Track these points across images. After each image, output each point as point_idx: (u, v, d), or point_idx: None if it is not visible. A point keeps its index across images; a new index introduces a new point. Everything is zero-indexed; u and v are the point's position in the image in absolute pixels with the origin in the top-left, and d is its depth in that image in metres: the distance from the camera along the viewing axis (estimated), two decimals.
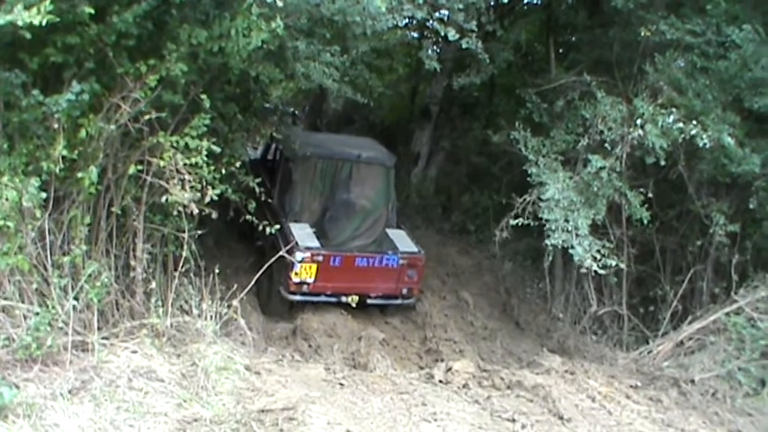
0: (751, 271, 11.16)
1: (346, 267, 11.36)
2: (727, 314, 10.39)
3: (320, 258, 11.12)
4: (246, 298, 9.18)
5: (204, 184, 7.76)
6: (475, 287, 13.93)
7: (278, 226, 9.99)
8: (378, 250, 11.83)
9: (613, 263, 10.62)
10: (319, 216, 12.03)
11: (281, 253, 9.71)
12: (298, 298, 11.31)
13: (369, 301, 11.73)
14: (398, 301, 12.04)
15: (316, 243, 11.36)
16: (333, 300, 11.45)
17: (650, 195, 11.32)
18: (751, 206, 10.75)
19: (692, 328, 10.64)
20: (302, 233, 11.48)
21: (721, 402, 9.28)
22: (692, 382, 9.56)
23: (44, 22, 6.05)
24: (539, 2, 16.61)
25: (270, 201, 11.35)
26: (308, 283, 11.16)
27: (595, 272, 10.58)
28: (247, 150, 11.69)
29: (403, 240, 12.26)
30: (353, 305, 11.33)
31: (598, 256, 10.52)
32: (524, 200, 11.53)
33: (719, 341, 10.16)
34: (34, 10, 6.04)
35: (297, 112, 20.41)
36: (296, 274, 11.01)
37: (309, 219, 11.94)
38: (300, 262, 10.96)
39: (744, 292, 10.62)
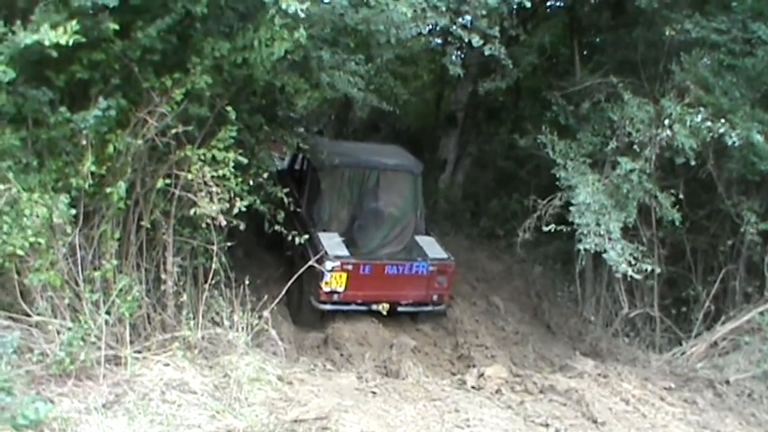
0: None
1: (376, 275, 11.34)
2: (761, 313, 10.31)
3: (350, 267, 11.10)
4: (277, 308, 9.16)
5: (232, 195, 7.79)
6: (505, 292, 13.88)
7: (307, 236, 10.02)
8: (407, 257, 11.81)
9: (648, 267, 10.53)
10: (348, 225, 11.99)
11: (310, 262, 9.64)
12: (328, 307, 11.28)
13: (399, 308, 11.60)
14: (429, 308, 11.98)
15: (345, 252, 11.34)
16: (363, 308, 11.42)
17: (680, 196, 11.24)
18: None
19: (725, 329, 10.56)
20: (331, 242, 11.46)
21: (758, 403, 9.18)
22: (728, 382, 9.47)
23: (71, 42, 6.10)
24: (561, 4, 16.50)
25: (298, 211, 11.30)
26: (339, 292, 11.13)
27: (629, 276, 10.50)
28: (274, 161, 11.74)
29: (432, 247, 12.26)
30: (384, 313, 11.11)
31: (632, 261, 10.44)
32: (548, 202, 11.49)
33: (754, 341, 10.07)
34: (60, 30, 6.09)
35: (322, 127, 20.38)
36: (326, 283, 10.98)
37: (338, 228, 11.91)
38: (330, 271, 10.94)
39: None
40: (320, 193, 12.09)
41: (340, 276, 11.05)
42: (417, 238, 12.33)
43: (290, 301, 11.51)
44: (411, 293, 11.71)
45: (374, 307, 11.19)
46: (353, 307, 11.43)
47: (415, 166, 12.73)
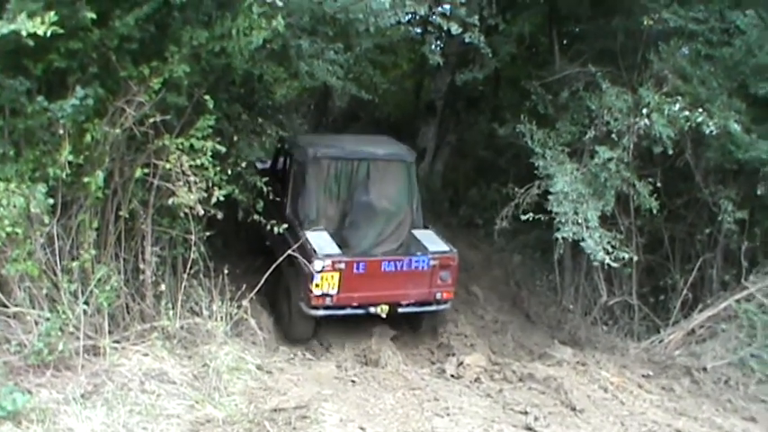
0: (761, 257, 11.17)
1: (372, 274, 10.30)
2: (738, 301, 10.40)
3: (342, 266, 10.05)
4: (256, 298, 9.13)
5: (210, 185, 7.78)
6: (485, 281, 13.89)
7: (285, 225, 9.74)
8: (406, 253, 10.87)
9: (626, 255, 10.60)
10: (338, 223, 11.02)
11: (286, 251, 9.35)
12: (321, 313, 10.24)
13: (400, 309, 10.61)
14: (433, 308, 10.94)
15: (336, 249, 10.38)
16: (360, 312, 10.43)
17: (658, 185, 11.30)
18: (759, 192, 10.71)
19: (702, 317, 10.64)
20: (320, 240, 10.47)
21: (734, 390, 9.28)
22: (705, 370, 9.57)
23: (48, 33, 6.06)
24: None
25: (284, 211, 10.93)
26: (331, 295, 10.07)
27: (607, 264, 10.55)
28: (256, 165, 11.54)
29: (432, 240, 11.21)
30: (383, 316, 10.44)
31: (610, 249, 10.50)
32: (526, 191, 11.52)
33: (731, 328, 10.16)
34: (38, 20, 6.04)
35: (301, 116, 20.30)
36: (317, 285, 9.92)
37: (327, 226, 10.91)
38: (320, 272, 9.90)
39: (754, 278, 10.64)
40: (305, 188, 11.04)
41: (331, 277, 9.99)
42: (415, 232, 11.34)
43: (280, 315, 11.01)
44: (412, 292, 10.63)
45: (372, 310, 10.39)
46: (349, 311, 10.39)
47: (407, 154, 11.74)
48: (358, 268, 10.20)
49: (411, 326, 11.35)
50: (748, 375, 9.53)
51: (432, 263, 10.60)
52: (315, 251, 10.05)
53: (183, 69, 7.49)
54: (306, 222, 10.81)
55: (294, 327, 10.71)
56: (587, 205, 10.66)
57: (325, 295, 10.03)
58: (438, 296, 10.76)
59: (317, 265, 9.86)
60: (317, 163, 11.03)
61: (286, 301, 10.76)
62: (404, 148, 12.08)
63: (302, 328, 10.64)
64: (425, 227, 11.62)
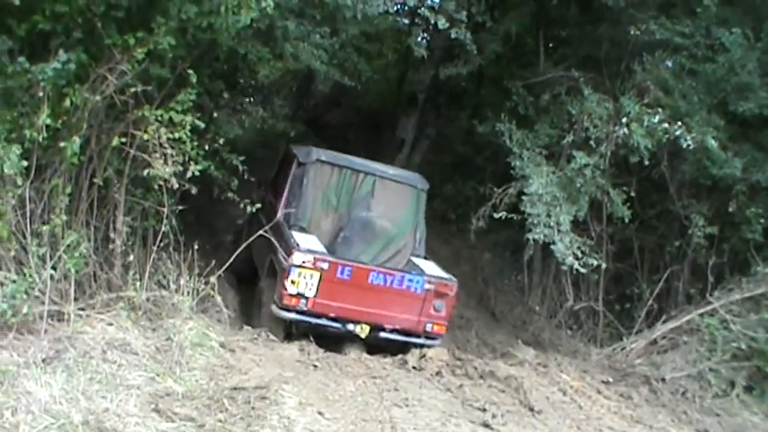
0: (727, 273, 11.32)
1: (357, 283, 9.17)
2: (702, 315, 10.53)
3: (324, 265, 8.97)
4: (224, 275, 9.06)
5: (187, 159, 7.75)
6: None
7: (259, 205, 9.46)
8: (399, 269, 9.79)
9: (594, 262, 10.68)
10: (331, 237, 10.06)
11: (258, 232, 8.96)
12: (292, 316, 9.06)
13: (382, 334, 9.41)
14: (420, 340, 9.52)
15: (321, 248, 9.43)
16: (336, 326, 9.23)
17: (632, 194, 11.39)
18: (730, 209, 10.89)
19: (666, 328, 10.76)
20: (305, 238, 9.55)
21: (690, 402, 9.42)
22: (663, 380, 9.69)
23: None
24: None
25: (274, 216, 10.03)
26: (307, 298, 8.95)
27: (575, 269, 10.62)
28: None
29: (431, 267, 10.10)
30: (362, 336, 9.33)
31: (579, 254, 10.57)
32: (503, 191, 11.56)
33: (692, 341, 10.29)
34: None
35: (282, 98, 20.21)
36: (292, 282, 8.88)
37: (319, 236, 9.88)
38: (299, 266, 8.86)
39: (719, 294, 10.78)
40: (301, 193, 10.14)
41: (310, 276, 8.90)
42: (414, 259, 10.30)
43: (251, 317, 10.07)
44: (399, 317, 9.42)
45: (350, 327, 9.26)
46: (324, 322, 9.17)
47: (419, 181, 10.75)
48: (342, 273, 9.09)
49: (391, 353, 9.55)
50: (705, 388, 9.67)
51: (426, 286, 9.45)
52: (297, 244, 9.13)
53: (169, 42, 7.47)
54: (295, 226, 9.89)
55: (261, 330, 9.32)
56: (560, 209, 10.73)
57: (299, 296, 8.95)
58: (428, 328, 9.55)
59: (297, 258, 8.88)
60: (318, 167, 10.24)
61: (258, 306, 9.95)
62: (417, 175, 11.11)
63: (272, 332, 9.12)
64: (425, 258, 10.54)
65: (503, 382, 8.43)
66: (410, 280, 9.42)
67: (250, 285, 10.90)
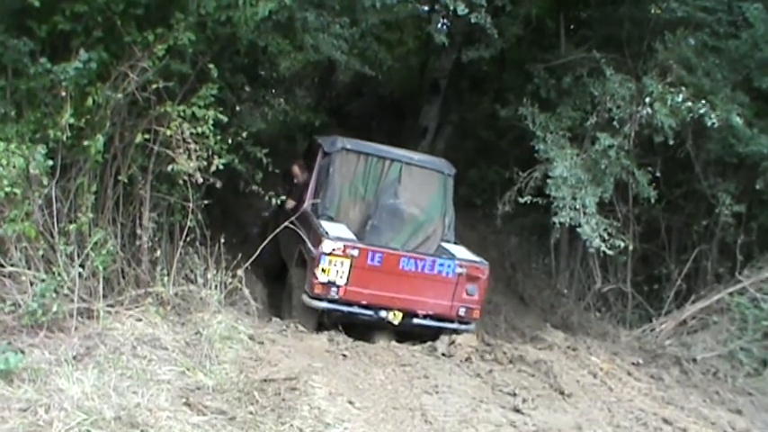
0: (756, 252, 11.23)
1: (388, 270, 9.14)
2: (731, 294, 10.46)
3: (355, 252, 8.95)
4: (251, 268, 9.07)
5: (210, 153, 7.78)
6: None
7: (285, 199, 9.45)
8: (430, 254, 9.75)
9: (621, 244, 10.62)
10: (359, 226, 10.02)
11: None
12: (324, 305, 9.02)
13: (415, 320, 9.35)
14: (454, 326, 9.44)
15: (350, 235, 9.38)
16: (369, 314, 9.19)
17: (657, 174, 11.30)
18: (757, 187, 10.76)
19: (695, 308, 10.70)
20: (334, 226, 9.51)
21: (722, 382, 9.36)
22: (694, 360, 9.64)
23: None
24: None
25: (300, 206, 9.99)
26: (339, 286, 8.94)
27: (603, 251, 10.58)
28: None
29: (462, 252, 10.04)
30: (395, 323, 9.27)
31: (606, 236, 10.51)
32: (528, 175, 11.52)
33: (722, 321, 10.23)
34: None
35: (304, 90, 20.21)
36: (323, 270, 8.86)
37: (348, 225, 9.86)
38: (329, 254, 8.84)
39: (748, 272, 10.70)
40: (328, 182, 10.10)
41: (341, 263, 8.90)
42: (445, 244, 10.25)
43: (280, 311, 10.04)
44: (431, 302, 9.37)
45: (383, 314, 9.19)
46: (356, 310, 9.14)
47: (446, 167, 10.76)
48: (372, 259, 9.07)
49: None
50: (737, 368, 9.60)
51: (458, 270, 9.38)
52: (326, 233, 9.10)
53: (189, 37, 7.51)
54: (323, 216, 9.86)
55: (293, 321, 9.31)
56: (586, 191, 10.67)
57: (330, 284, 8.93)
58: (461, 312, 9.46)
59: (327, 246, 8.86)
60: (344, 156, 10.25)
61: (287, 298, 9.91)
62: (443, 161, 11.12)
63: (302, 324, 9.18)
64: (456, 243, 10.48)
65: (532, 367, 8.42)
66: (441, 264, 9.36)
67: (278, 277, 10.95)
